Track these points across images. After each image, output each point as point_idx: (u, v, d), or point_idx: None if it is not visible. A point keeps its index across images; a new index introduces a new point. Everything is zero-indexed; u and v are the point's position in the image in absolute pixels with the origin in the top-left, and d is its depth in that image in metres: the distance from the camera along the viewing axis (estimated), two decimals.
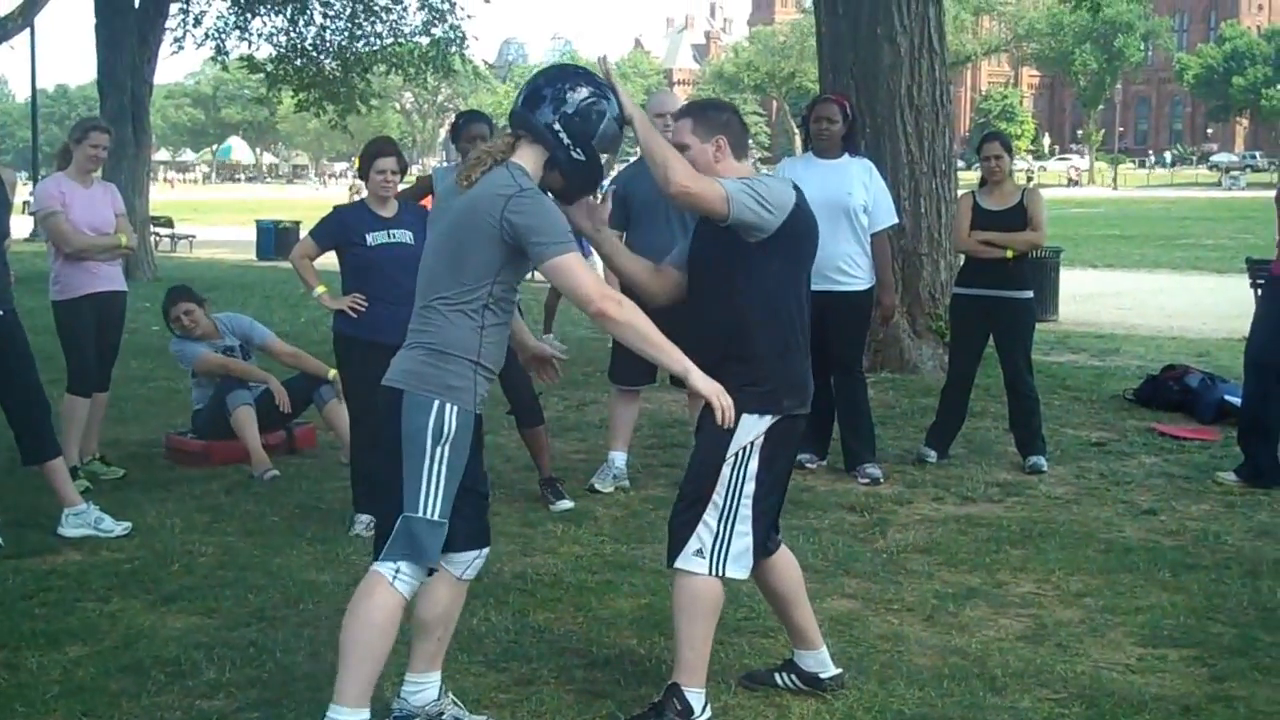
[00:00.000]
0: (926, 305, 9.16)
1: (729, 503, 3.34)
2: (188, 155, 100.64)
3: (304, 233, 6.12)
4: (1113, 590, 4.58)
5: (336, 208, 5.77)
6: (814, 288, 5.95)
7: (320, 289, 5.40)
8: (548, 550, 5.10)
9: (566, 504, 5.72)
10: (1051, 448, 6.70)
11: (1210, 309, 13.79)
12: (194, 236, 26.63)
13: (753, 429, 3.31)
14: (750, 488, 3.35)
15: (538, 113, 3.13)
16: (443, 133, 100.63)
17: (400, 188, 5.49)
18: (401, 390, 3.12)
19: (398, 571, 3.13)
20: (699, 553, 3.33)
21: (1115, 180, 62.84)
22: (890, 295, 6.41)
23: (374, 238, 5.25)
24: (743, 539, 3.35)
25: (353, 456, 5.50)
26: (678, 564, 3.36)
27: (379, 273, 5.19)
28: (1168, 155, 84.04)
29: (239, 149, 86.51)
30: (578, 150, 3.14)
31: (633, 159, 6.54)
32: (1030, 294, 6.56)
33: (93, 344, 6.10)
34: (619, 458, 6.13)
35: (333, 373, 6.58)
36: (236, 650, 3.94)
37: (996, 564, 4.90)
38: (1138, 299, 15.29)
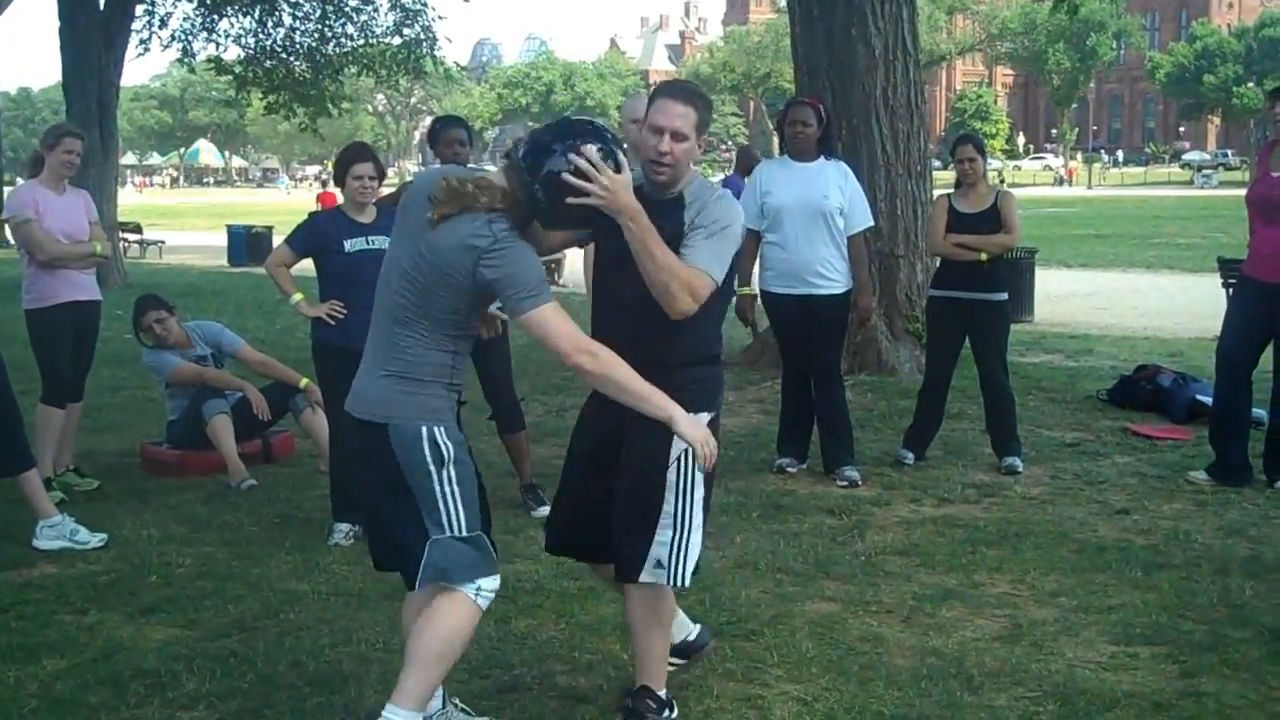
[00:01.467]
0: (903, 308, 9.21)
1: (681, 509, 3.27)
2: (155, 159, 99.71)
3: (277, 238, 6.12)
4: (1086, 589, 4.64)
5: (313, 214, 5.77)
6: (792, 291, 6.16)
7: (298, 296, 5.40)
8: (530, 557, 5.10)
9: (547, 509, 5.71)
10: (1027, 448, 6.76)
11: (1183, 308, 13.90)
12: (163, 242, 26.38)
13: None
14: (700, 492, 3.29)
15: (549, 161, 2.98)
16: (417, 135, 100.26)
17: (382, 191, 5.49)
18: (384, 424, 3.08)
19: (479, 590, 3.10)
20: (659, 564, 3.27)
21: (1090, 179, 63.16)
22: (867, 297, 6.46)
23: (352, 244, 5.25)
24: (696, 547, 3.31)
25: (332, 465, 5.50)
26: (641, 579, 3.29)
27: (357, 279, 5.16)
28: (1120, 153, 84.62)
29: (207, 152, 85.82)
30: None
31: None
32: (1005, 296, 6.61)
33: (68, 353, 6.07)
34: None
35: (304, 381, 6.59)
36: (217, 661, 3.95)
37: (973, 565, 4.95)
38: (1112, 299, 15.40)
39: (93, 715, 3.58)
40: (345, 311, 5.21)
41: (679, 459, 3.24)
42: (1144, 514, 5.70)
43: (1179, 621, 4.29)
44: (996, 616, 4.38)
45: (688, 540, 3.28)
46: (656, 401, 3.05)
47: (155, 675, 3.84)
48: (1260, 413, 6.41)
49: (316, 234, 5.39)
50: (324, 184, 33.33)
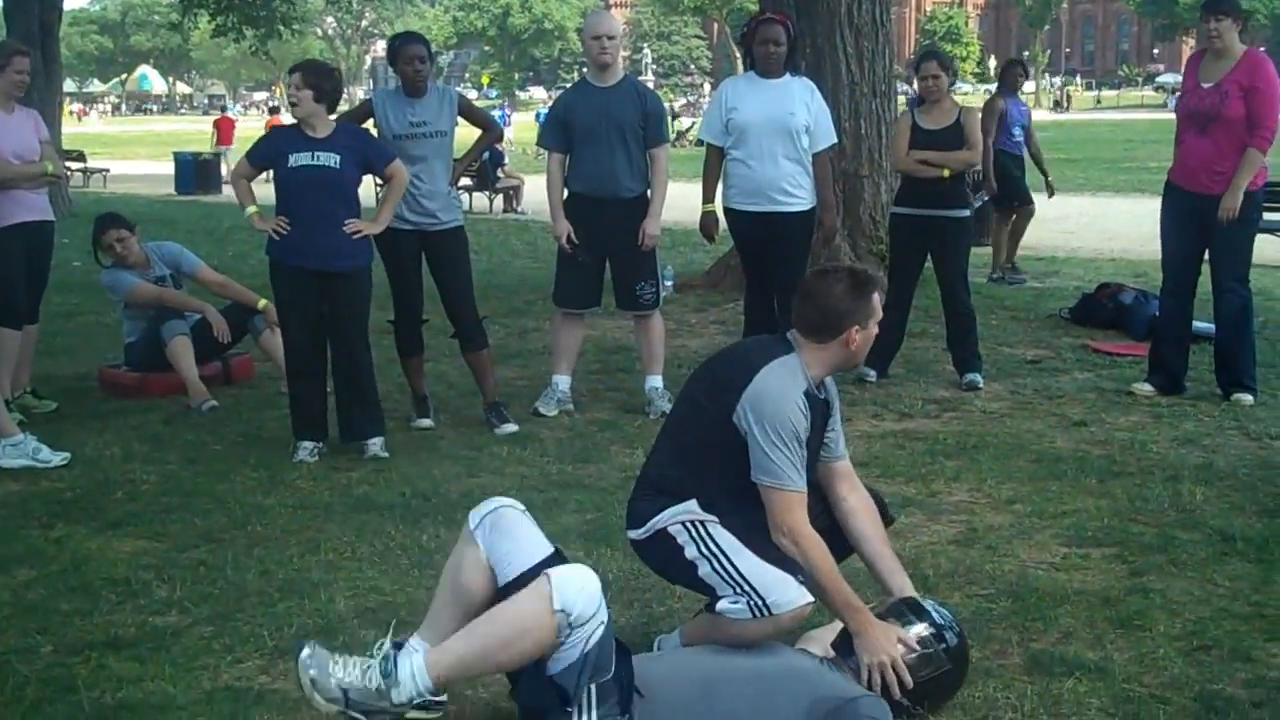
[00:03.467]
0: (868, 228, 9.23)
1: (724, 569, 3.05)
2: (95, 85, 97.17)
3: (225, 167, 6.07)
4: (1041, 496, 4.74)
5: (274, 127, 5.73)
6: (757, 208, 6.17)
7: (252, 209, 5.36)
8: (494, 471, 5.17)
9: (511, 427, 5.78)
10: (988, 366, 6.85)
11: (1151, 231, 13.62)
12: (108, 171, 25.95)
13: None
14: (724, 539, 3.07)
15: None
16: (368, 60, 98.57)
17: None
18: None
19: None
20: (735, 604, 3.03)
21: (1063, 102, 62.87)
22: (831, 215, 6.48)
23: (296, 158, 5.20)
24: (765, 574, 3.02)
25: (290, 383, 5.52)
26: (720, 607, 3.06)
27: (297, 195, 5.20)
28: (1078, 76, 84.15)
29: (151, 78, 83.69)
30: None
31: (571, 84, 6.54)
32: (967, 213, 6.65)
33: (22, 275, 6.00)
34: (562, 381, 6.18)
35: (262, 302, 6.57)
36: (187, 570, 4.00)
37: (932, 475, 5.05)
38: (1081, 222, 15.47)
39: (66, 620, 3.63)
40: (289, 228, 5.19)
41: (694, 538, 3.09)
42: (1101, 426, 5.80)
43: (1130, 525, 4.40)
44: (953, 522, 4.48)
45: (748, 581, 3.02)
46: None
47: (126, 584, 3.89)
48: (1207, 326, 6.52)
49: (270, 147, 5.39)
50: (273, 110, 32.95)
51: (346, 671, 2.73)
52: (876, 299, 3.19)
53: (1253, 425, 5.74)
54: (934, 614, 3.11)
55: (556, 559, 2.98)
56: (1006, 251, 10.53)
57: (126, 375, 6.64)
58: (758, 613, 2.99)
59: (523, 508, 3.08)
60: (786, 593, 2.99)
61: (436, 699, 2.87)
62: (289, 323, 5.37)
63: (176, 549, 4.24)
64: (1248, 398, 6.13)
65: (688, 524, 3.09)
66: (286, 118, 5.53)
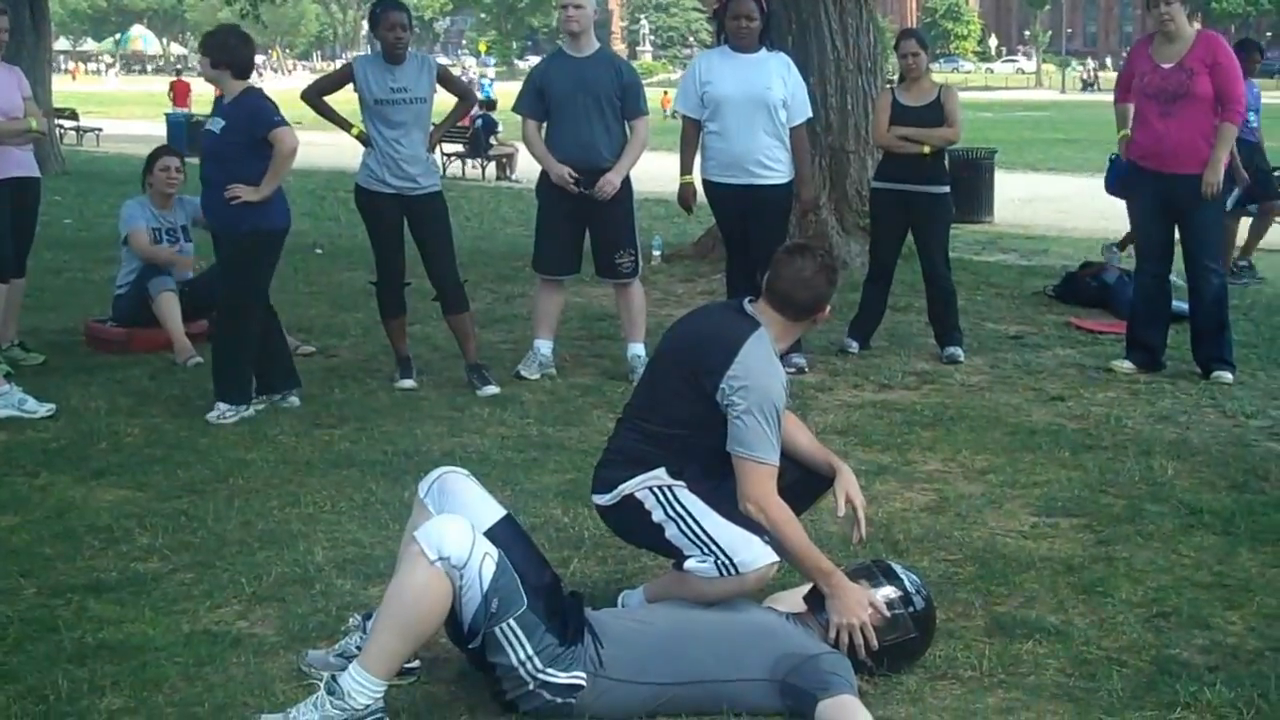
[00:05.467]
0: (854, 202, 9.26)
1: (691, 531, 3.12)
2: (89, 45, 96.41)
3: None
4: (1014, 467, 4.80)
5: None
6: (735, 181, 6.21)
7: None
8: (475, 431, 5.23)
9: (493, 389, 5.83)
10: (970, 340, 6.91)
11: None
12: (100, 130, 25.82)
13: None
14: (691, 502, 3.14)
15: None
16: (365, 24, 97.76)
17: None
18: None
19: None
20: (702, 563, 3.10)
21: (1064, 83, 62.52)
22: (809, 188, 6.52)
23: (208, 123, 5.53)
24: (732, 534, 3.10)
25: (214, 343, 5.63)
26: (687, 566, 3.13)
27: (203, 158, 5.47)
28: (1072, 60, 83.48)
29: (140, 39, 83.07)
30: None
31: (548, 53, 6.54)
32: (947, 189, 6.70)
33: (8, 229, 6.05)
34: (544, 345, 6.23)
35: None
36: (168, 519, 4.06)
37: (908, 444, 5.11)
38: (1076, 202, 15.48)
39: (49, 564, 3.69)
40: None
41: (659, 500, 3.16)
42: (1078, 401, 5.87)
43: (1100, 496, 4.48)
44: (926, 491, 4.55)
45: (716, 540, 3.09)
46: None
47: (108, 531, 3.95)
48: (1182, 305, 6.59)
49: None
50: (178, 72, 33.31)
51: (301, 714, 2.70)
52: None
53: (1229, 403, 5.81)
54: (903, 578, 3.18)
55: (508, 523, 3.02)
56: (1245, 246, 9.82)
57: (113, 330, 6.68)
58: (725, 571, 3.06)
59: (468, 473, 3.13)
60: (753, 552, 3.07)
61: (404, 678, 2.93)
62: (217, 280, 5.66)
63: (158, 499, 4.30)
64: (1228, 375, 6.21)
65: (654, 489, 3.16)
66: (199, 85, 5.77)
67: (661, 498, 3.15)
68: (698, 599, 3.10)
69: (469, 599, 2.73)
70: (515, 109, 6.24)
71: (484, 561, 2.73)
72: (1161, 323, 6.44)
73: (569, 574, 3.64)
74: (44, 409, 5.28)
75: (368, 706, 2.71)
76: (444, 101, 6.29)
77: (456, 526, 2.77)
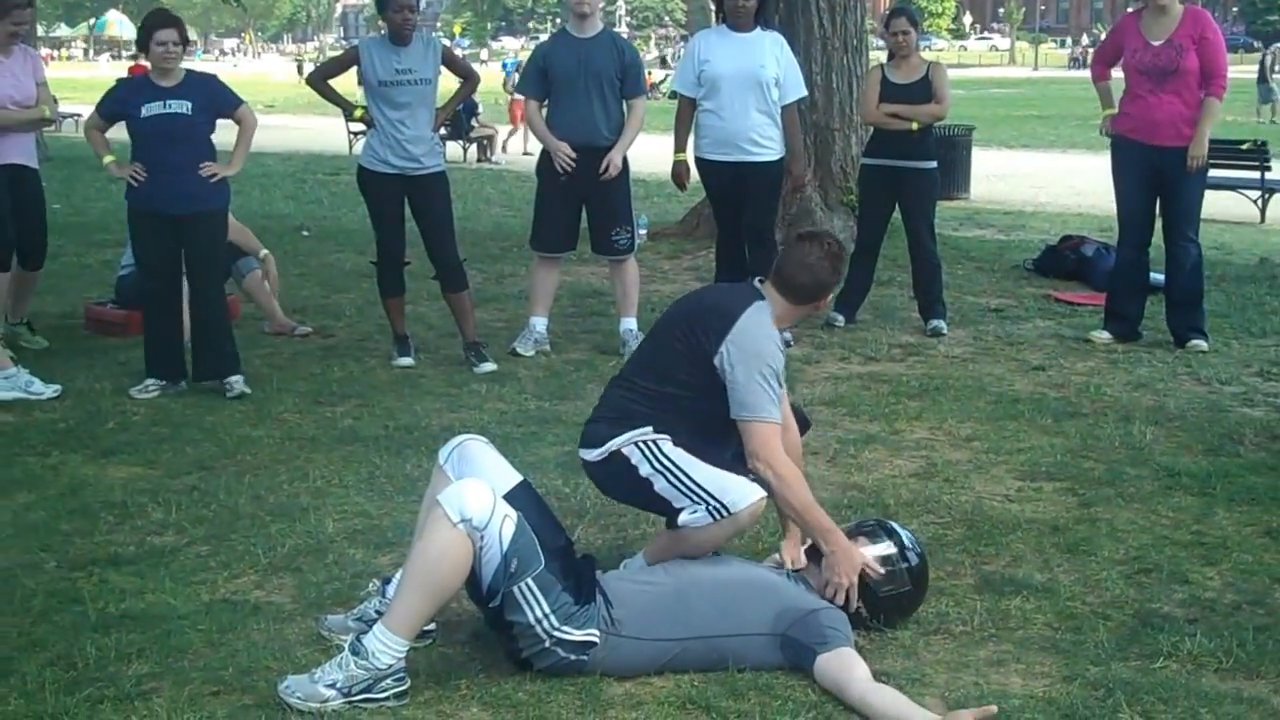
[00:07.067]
0: (838, 179, 9.39)
1: (679, 481, 3.23)
2: (62, 30, 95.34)
3: None
4: (999, 435, 4.96)
5: (119, 80, 5.88)
6: (727, 158, 6.33)
7: (109, 158, 5.56)
8: (473, 407, 5.34)
9: (490, 366, 5.95)
10: (953, 314, 7.05)
11: None
12: (79, 116, 25.62)
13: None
14: (677, 455, 3.25)
15: None
16: (339, 8, 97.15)
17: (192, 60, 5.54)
18: None
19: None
20: (694, 513, 3.22)
21: (1036, 60, 62.52)
22: (799, 164, 6.63)
23: (148, 109, 5.37)
24: (719, 478, 3.22)
25: (145, 326, 5.62)
26: (680, 521, 3.25)
27: (152, 143, 5.38)
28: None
29: (117, 24, 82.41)
30: None
31: (551, 33, 6.61)
32: (934, 164, 6.83)
33: (8, 213, 6.10)
34: (539, 322, 6.34)
35: (264, 251, 6.76)
36: (181, 495, 4.17)
37: (895, 414, 5.25)
38: (1050, 178, 15.65)
39: (67, 540, 3.80)
40: (145, 175, 5.36)
41: (645, 453, 3.26)
42: (1059, 370, 6.02)
43: (1082, 461, 4.63)
44: (914, 457, 4.69)
45: (707, 492, 3.20)
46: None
47: (123, 506, 4.05)
48: (1160, 277, 6.74)
49: (117, 100, 5.54)
50: (135, 57, 33.09)
51: (326, 674, 2.83)
52: None
53: (1204, 371, 5.98)
54: (900, 534, 3.33)
55: (525, 488, 3.15)
56: None
57: (113, 313, 6.74)
58: (717, 515, 3.20)
59: (487, 441, 3.25)
60: (741, 491, 3.21)
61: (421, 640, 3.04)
62: (143, 265, 5.58)
63: (169, 475, 4.40)
64: (1204, 343, 6.37)
65: (641, 444, 3.28)
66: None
67: (648, 452, 3.27)
68: (696, 551, 3.24)
69: (489, 559, 2.85)
70: (518, 89, 6.35)
71: (504, 523, 2.86)
72: (1141, 294, 6.60)
73: (573, 542, 3.75)
74: (50, 390, 5.37)
75: (390, 666, 2.83)
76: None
77: (478, 490, 2.89)
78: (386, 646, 2.83)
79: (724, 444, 3.30)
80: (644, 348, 3.57)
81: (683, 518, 3.23)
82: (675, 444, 3.27)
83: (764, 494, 3.22)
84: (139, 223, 5.47)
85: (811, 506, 3.25)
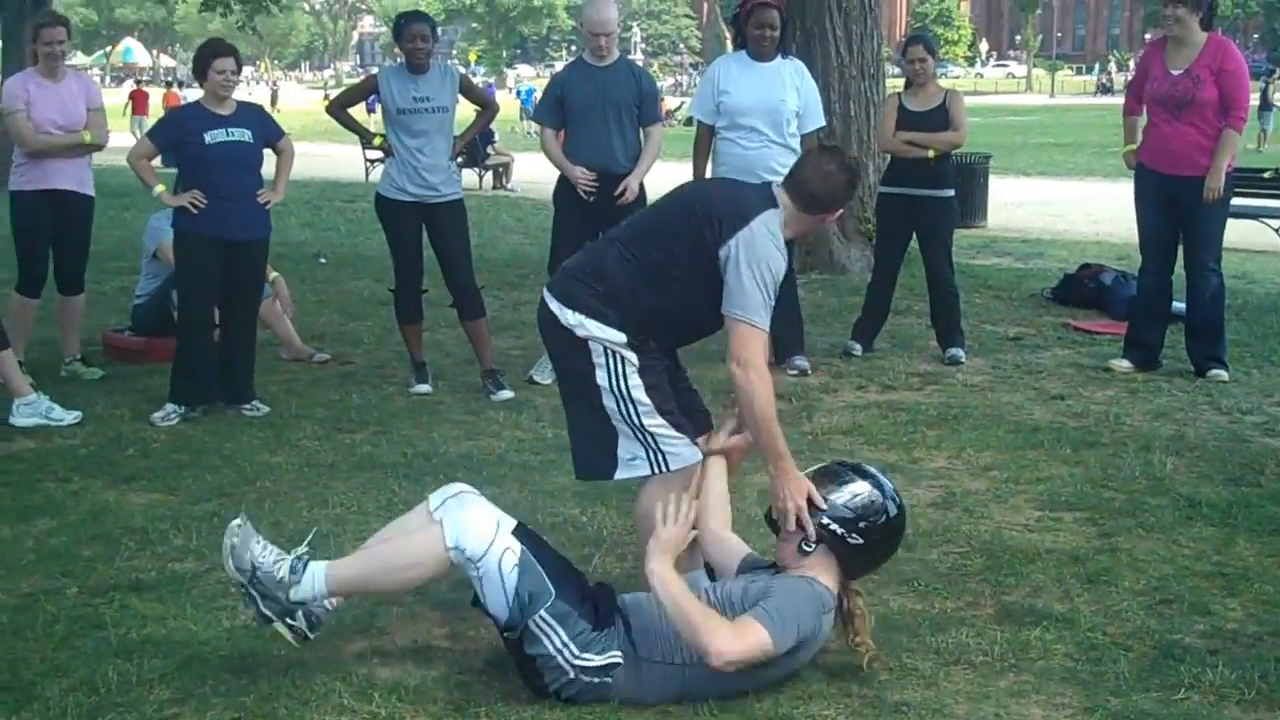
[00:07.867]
0: (855, 208, 9.40)
1: (628, 415, 3.25)
2: (79, 59, 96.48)
3: None
4: (1018, 464, 4.94)
5: (171, 109, 5.94)
6: None
7: (160, 187, 5.64)
8: (491, 434, 5.35)
9: (507, 394, 5.96)
10: (971, 342, 7.04)
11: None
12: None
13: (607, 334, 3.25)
14: (639, 393, 3.25)
15: None
16: (355, 35, 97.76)
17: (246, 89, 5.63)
18: None
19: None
20: (632, 460, 3.28)
21: (1053, 87, 62.53)
22: None
23: (211, 135, 5.46)
24: (666, 431, 3.26)
25: (180, 350, 5.65)
26: (618, 475, 3.31)
27: (216, 169, 5.46)
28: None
29: (137, 52, 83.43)
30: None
31: (567, 60, 6.65)
32: (951, 192, 6.84)
33: (46, 242, 6.15)
34: None
35: (274, 274, 6.78)
36: (200, 521, 4.18)
37: (913, 443, 5.24)
38: (1067, 206, 15.66)
39: (88, 565, 3.82)
40: (206, 201, 5.44)
41: (606, 365, 3.25)
42: (1078, 399, 6.01)
43: (1102, 491, 4.61)
44: (933, 487, 4.68)
45: (650, 436, 3.26)
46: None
47: (143, 533, 4.08)
48: (1180, 305, 6.73)
49: (175, 128, 5.66)
50: (169, 85, 33.66)
51: (264, 553, 3.02)
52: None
53: (1224, 400, 5.96)
54: (877, 476, 3.27)
55: (522, 529, 3.10)
56: None
57: (131, 340, 6.79)
58: (656, 468, 3.25)
59: (478, 492, 3.22)
60: (685, 452, 3.27)
61: (324, 609, 3.09)
62: (192, 291, 5.63)
63: (189, 502, 4.42)
64: (1224, 373, 6.35)
65: (609, 349, 3.25)
66: (189, 94, 5.71)
67: (611, 365, 3.24)
68: (648, 523, 3.18)
69: (490, 589, 2.92)
70: (535, 117, 6.40)
71: (504, 555, 2.90)
72: (1162, 322, 6.59)
73: (590, 571, 3.75)
74: (70, 416, 5.41)
75: (295, 601, 2.99)
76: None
77: (482, 523, 2.95)
78: (313, 585, 3.00)
79: (689, 339, 3.41)
80: (648, 217, 3.53)
81: (620, 472, 3.27)
82: (641, 378, 3.24)
83: (700, 458, 3.30)
84: (191, 247, 5.53)
85: (772, 422, 3.24)
